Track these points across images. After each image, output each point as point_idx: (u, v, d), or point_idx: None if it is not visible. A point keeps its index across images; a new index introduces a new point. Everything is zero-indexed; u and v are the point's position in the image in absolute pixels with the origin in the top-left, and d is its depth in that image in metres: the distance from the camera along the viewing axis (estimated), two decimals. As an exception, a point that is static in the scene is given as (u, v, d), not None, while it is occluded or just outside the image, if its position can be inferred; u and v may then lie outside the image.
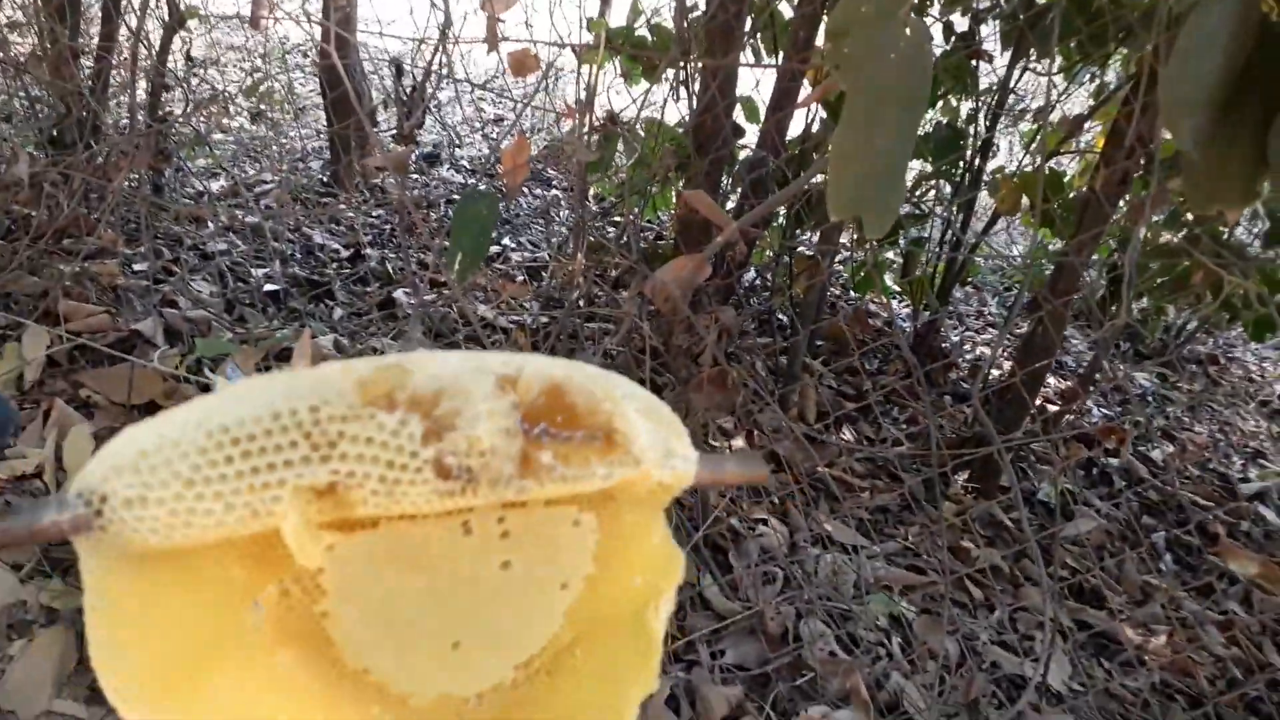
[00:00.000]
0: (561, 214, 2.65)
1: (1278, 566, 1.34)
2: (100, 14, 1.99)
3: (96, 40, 1.98)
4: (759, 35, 2.13)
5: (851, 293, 2.75)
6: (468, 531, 0.31)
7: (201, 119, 2.07)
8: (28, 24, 2.05)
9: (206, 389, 1.49)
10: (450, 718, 0.32)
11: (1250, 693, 1.51)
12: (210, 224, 2.03)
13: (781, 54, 2.07)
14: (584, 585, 0.33)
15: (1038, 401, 2.31)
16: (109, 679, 0.25)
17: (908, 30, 0.98)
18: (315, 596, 0.30)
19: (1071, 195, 2.31)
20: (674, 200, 2.51)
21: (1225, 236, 2.16)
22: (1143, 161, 1.75)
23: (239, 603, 0.28)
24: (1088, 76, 2.51)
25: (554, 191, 2.89)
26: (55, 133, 1.92)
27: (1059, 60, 2.24)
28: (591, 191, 2.62)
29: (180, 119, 1.97)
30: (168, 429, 0.25)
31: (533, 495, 0.29)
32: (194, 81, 2.18)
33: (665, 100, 1.95)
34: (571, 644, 0.33)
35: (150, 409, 1.52)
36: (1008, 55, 2.29)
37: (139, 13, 1.83)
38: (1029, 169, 2.37)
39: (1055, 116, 2.42)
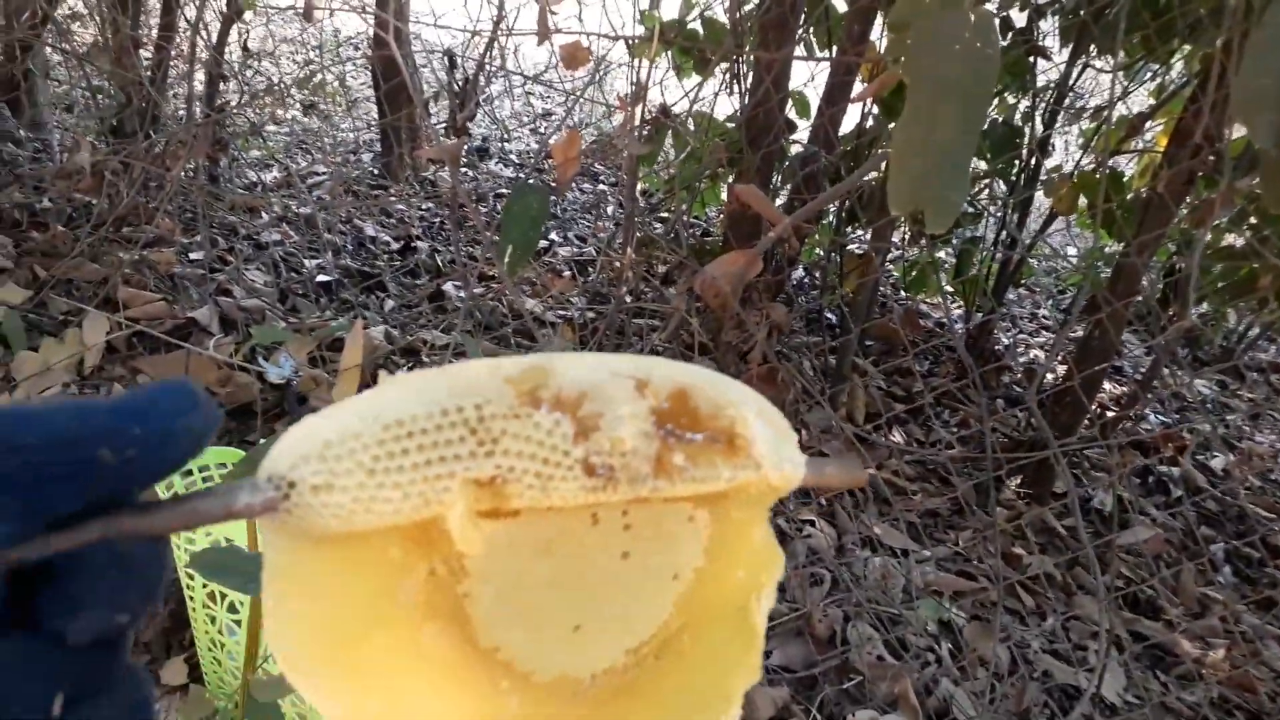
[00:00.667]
0: (609, 209, 2.64)
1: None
2: (160, 5, 2.02)
3: (156, 31, 2.01)
4: (812, 29, 2.10)
5: (902, 292, 2.71)
6: (595, 522, 0.33)
7: (256, 110, 2.09)
8: (89, 14, 2.09)
9: (260, 377, 1.51)
10: (567, 695, 0.34)
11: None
12: (264, 214, 2.05)
13: (835, 48, 2.05)
14: (693, 576, 0.35)
15: (1093, 407, 2.26)
16: (280, 647, 0.27)
17: (972, 21, 0.95)
18: (459, 577, 0.32)
19: (1130, 195, 2.26)
20: (722, 196, 2.49)
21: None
22: (1211, 159, 1.70)
23: (395, 580, 0.30)
24: (1148, 74, 2.44)
25: (601, 186, 2.88)
26: (116, 122, 1.96)
27: (1121, 56, 2.19)
28: (639, 187, 2.61)
29: (237, 109, 2.00)
30: (347, 421, 0.27)
31: (665, 494, 0.30)
32: (249, 73, 2.21)
33: (716, 95, 1.94)
34: (679, 631, 0.35)
35: (204, 395, 1.54)
36: (1066, 52, 2.24)
37: (198, 3, 1.85)
38: (1087, 168, 2.32)
39: (1115, 115, 2.36)
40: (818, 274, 2.41)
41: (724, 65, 1.88)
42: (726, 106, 2.00)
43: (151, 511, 0.24)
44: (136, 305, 1.64)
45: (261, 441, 1.41)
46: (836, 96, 1.96)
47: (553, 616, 0.33)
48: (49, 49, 2.23)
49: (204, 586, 1.11)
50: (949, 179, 0.96)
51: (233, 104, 2.06)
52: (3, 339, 1.57)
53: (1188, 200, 1.85)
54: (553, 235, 2.49)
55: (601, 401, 0.29)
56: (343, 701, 0.28)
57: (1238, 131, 1.72)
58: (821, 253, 2.38)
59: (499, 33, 1.54)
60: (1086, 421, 2.05)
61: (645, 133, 1.74)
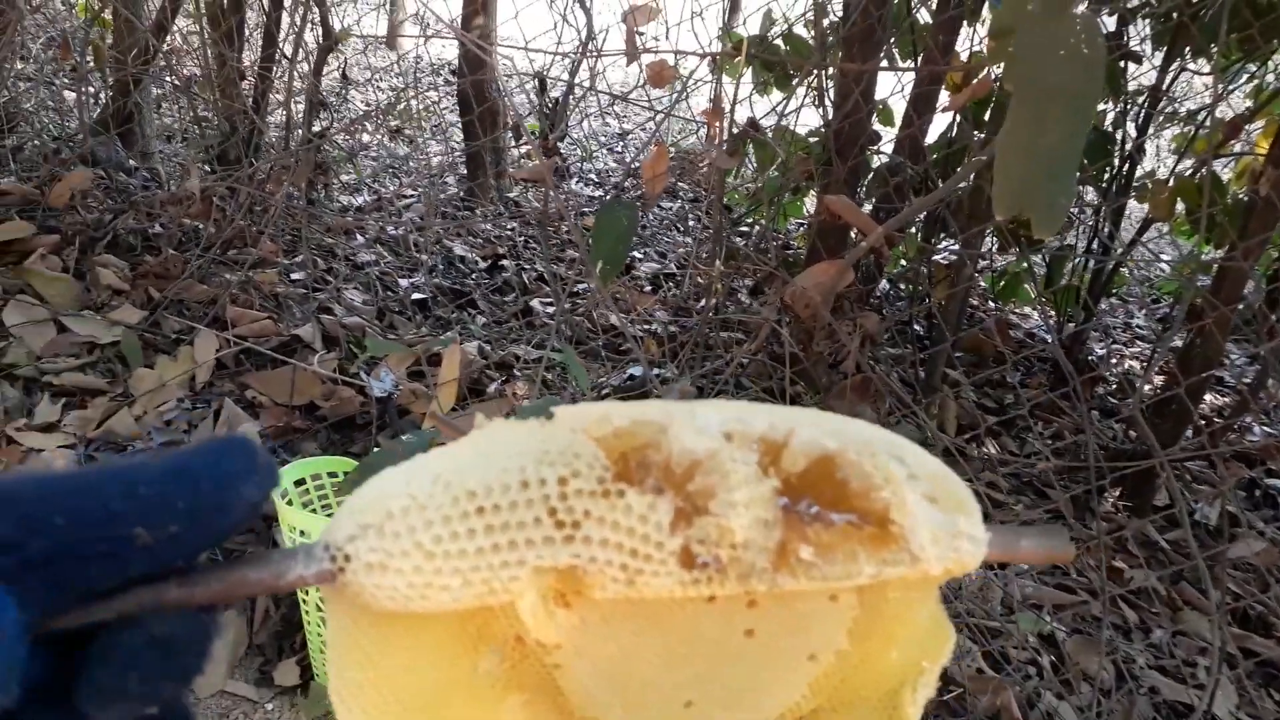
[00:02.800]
0: (689, 224, 2.66)
1: None
2: (261, 37, 2.11)
3: (257, 62, 2.10)
4: (896, 41, 2.09)
5: (990, 302, 2.67)
6: (711, 600, 0.29)
7: (351, 135, 2.17)
8: (196, 48, 2.19)
9: (362, 391, 1.56)
10: None
11: None
12: (360, 236, 2.12)
13: (920, 58, 2.04)
14: (834, 658, 0.31)
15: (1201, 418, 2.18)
16: (344, 715, 0.25)
17: (1078, 25, 0.95)
18: (549, 649, 0.29)
19: (1229, 199, 2.19)
20: (804, 210, 2.49)
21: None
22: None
23: (473, 650, 0.28)
24: (1244, 76, 2.37)
25: (679, 202, 2.90)
26: (220, 150, 2.05)
27: (1217, 59, 2.13)
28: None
29: (337, 133, 2.07)
30: (417, 485, 0.25)
31: (787, 589, 0.26)
32: (343, 100, 2.29)
33: (799, 109, 1.94)
34: (812, 715, 0.32)
35: (310, 409, 1.60)
36: (1157, 57, 2.19)
37: (297, 34, 1.93)
38: (1183, 173, 2.25)
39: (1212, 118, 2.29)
40: (904, 285, 2.38)
41: (806, 80, 1.89)
42: (806, 122, 2.01)
43: (197, 580, 0.23)
44: (244, 323, 1.71)
45: (374, 450, 1.45)
46: (922, 107, 1.95)
47: (659, 692, 0.30)
48: (156, 83, 2.35)
49: (316, 589, 1.15)
50: (1055, 183, 0.95)
51: (331, 129, 2.14)
52: (121, 357, 1.65)
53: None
54: (634, 252, 2.51)
55: (715, 477, 0.25)
56: None
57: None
58: (906, 264, 2.35)
59: (588, 54, 1.57)
60: (1188, 433, 1.98)
61: (731, 146, 1.75)
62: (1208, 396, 2.58)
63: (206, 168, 2.03)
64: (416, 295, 1.93)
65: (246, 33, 2.05)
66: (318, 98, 2.00)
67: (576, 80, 1.80)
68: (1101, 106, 2.37)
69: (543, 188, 1.38)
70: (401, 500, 0.24)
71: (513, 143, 2.14)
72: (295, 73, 2.02)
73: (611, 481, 0.25)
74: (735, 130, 1.72)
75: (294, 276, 1.89)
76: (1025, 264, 1.71)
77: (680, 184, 2.91)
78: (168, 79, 2.20)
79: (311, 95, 1.98)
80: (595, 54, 1.62)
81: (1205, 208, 1.30)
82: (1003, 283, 2.50)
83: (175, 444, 1.54)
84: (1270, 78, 2.37)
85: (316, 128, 2.09)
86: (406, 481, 0.25)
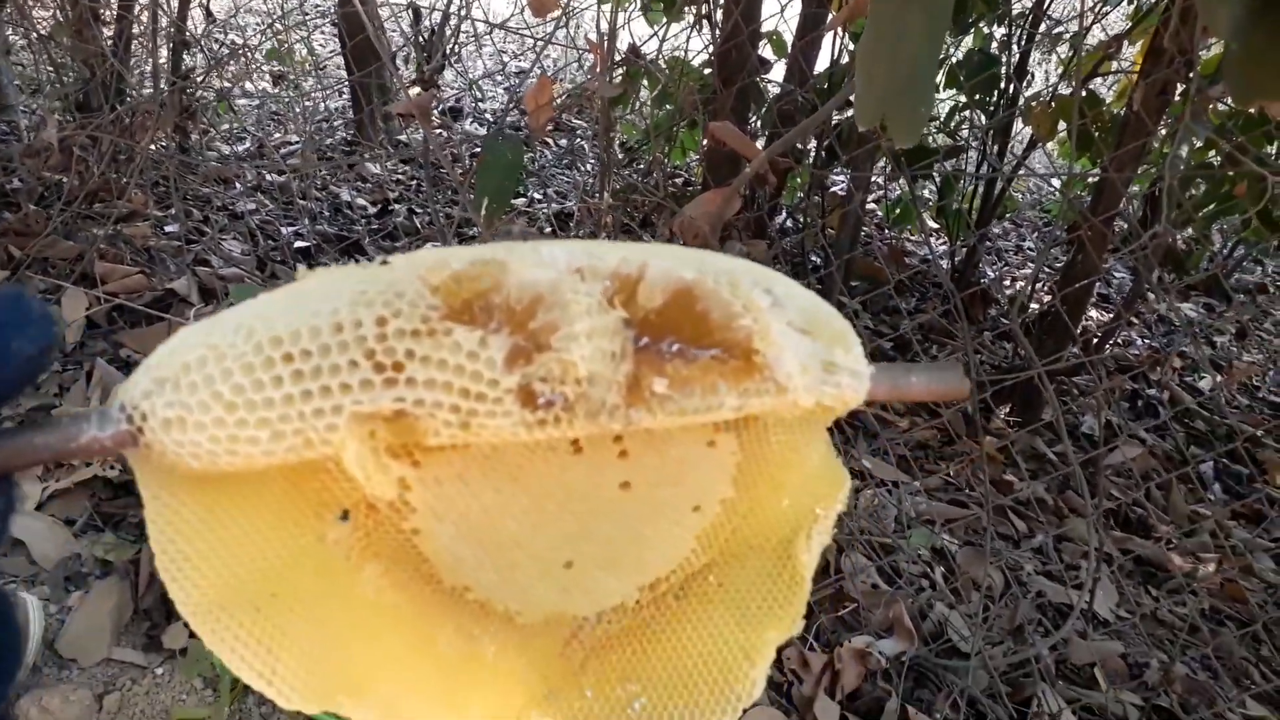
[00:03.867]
0: (588, 163, 2.62)
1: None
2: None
3: (116, 2, 1.97)
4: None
5: (887, 231, 2.70)
6: (578, 450, 0.28)
7: (224, 78, 2.07)
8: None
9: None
10: (564, 636, 0.30)
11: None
12: (238, 184, 2.04)
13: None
14: (720, 508, 0.30)
15: (1079, 333, 2.26)
16: (177, 594, 0.24)
17: (935, -65, 0.94)
18: (404, 513, 0.27)
19: (1110, 116, 2.24)
20: (700, 141, 2.47)
21: (1275, 157, 2.08)
22: (1183, 73, 1.68)
23: (316, 517, 0.26)
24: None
25: (580, 142, 2.86)
26: (82, 98, 1.93)
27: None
28: (617, 138, 2.59)
29: (202, 74, 1.97)
30: (219, 335, 0.23)
31: (643, 426, 0.25)
32: (215, 43, 2.18)
33: (688, 37, 1.91)
34: (704, 569, 0.30)
35: (188, 366, 1.54)
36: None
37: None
38: (1064, 94, 2.30)
39: (1093, 38, 2.34)
40: (802, 216, 2.40)
41: (695, 7, 1.85)
42: (703, 54, 1.98)
43: None
44: (114, 279, 1.63)
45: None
46: (808, 30, 1.94)
47: (533, 552, 0.29)
48: (9, 30, 2.20)
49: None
50: (915, 91, 0.95)
51: (197, 71, 2.03)
52: (-18, 320, 1.56)
53: (1165, 118, 1.84)
54: (533, 193, 2.47)
55: (556, 311, 0.24)
56: (256, 655, 0.24)
57: (1208, 44, 1.71)
58: (803, 194, 2.36)
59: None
60: (1073, 345, 2.05)
61: (616, 76, 1.72)
62: (1096, 313, 2.67)
63: (68, 117, 1.92)
64: (299, 244, 1.87)
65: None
66: (182, 39, 1.90)
67: (453, 9, 1.73)
68: (988, 30, 2.40)
69: (426, 123, 1.34)
70: (199, 351, 0.22)
71: (398, 81, 2.07)
72: (158, 11, 1.91)
73: (439, 320, 0.23)
74: (619, 59, 1.69)
75: (168, 229, 1.81)
76: (910, 190, 1.73)
77: (578, 121, 2.87)
78: (21, 23, 2.05)
79: (174, 35, 1.87)
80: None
81: (1074, 124, 1.32)
82: (898, 210, 2.53)
83: (46, 409, 1.47)
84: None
85: (185, 69, 1.99)
86: (207, 333, 0.23)
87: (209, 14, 1.98)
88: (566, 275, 0.24)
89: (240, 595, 0.24)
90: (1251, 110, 1.76)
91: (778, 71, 2.14)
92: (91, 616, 1.26)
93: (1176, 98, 1.81)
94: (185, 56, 2.07)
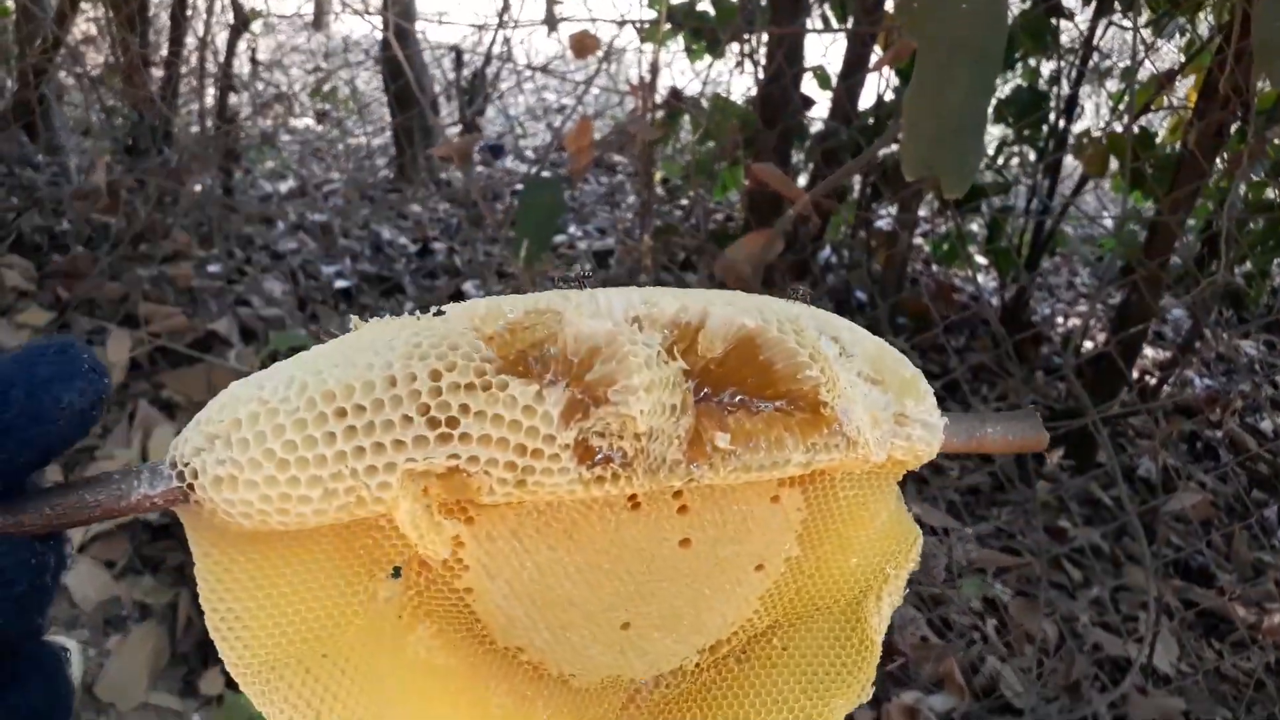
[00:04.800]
0: (627, 200, 2.62)
1: None
2: (169, 21, 2.03)
3: (165, 47, 2.02)
4: (827, 2, 2.06)
5: (934, 267, 2.66)
6: (635, 506, 0.26)
7: (267, 120, 2.10)
8: (100, 37, 2.10)
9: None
10: (621, 700, 0.29)
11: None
12: (280, 224, 2.05)
13: (851, 19, 2.00)
14: (785, 567, 0.29)
15: (1135, 374, 2.20)
16: (227, 654, 0.23)
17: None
18: (456, 571, 0.26)
19: (1165, 155, 2.19)
20: (743, 179, 2.45)
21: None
22: (1239, 113, 1.64)
23: (368, 576, 0.25)
24: (1177, 31, 2.37)
25: (619, 177, 2.86)
26: (131, 141, 1.97)
27: (1146, 13, 2.12)
28: (659, 176, 2.58)
29: (247, 119, 2.00)
30: (270, 389, 0.22)
31: (706, 483, 0.24)
32: (260, 85, 2.21)
33: (730, 76, 1.90)
34: (768, 631, 0.29)
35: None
36: (1089, 10, 2.18)
37: (205, 17, 1.86)
38: (1116, 130, 2.25)
39: (1144, 73, 2.29)
40: (847, 253, 2.36)
41: (737, 45, 1.84)
42: (744, 90, 1.98)
43: (25, 504, 0.20)
44: (157, 320, 1.65)
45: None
46: (854, 69, 1.92)
47: (589, 613, 0.27)
48: (62, 73, 2.25)
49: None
50: (964, 141, 0.92)
51: (243, 115, 2.06)
52: (29, 362, 1.58)
53: (1222, 156, 1.79)
54: (572, 229, 2.47)
55: (614, 363, 0.22)
56: (305, 717, 0.23)
57: (1264, 83, 1.65)
58: (848, 230, 2.33)
59: (504, 23, 1.52)
60: (1129, 388, 1.99)
61: (657, 117, 1.71)
62: (1152, 352, 2.60)
63: (115, 160, 1.95)
64: (340, 283, 1.87)
65: (151, 13, 1.96)
66: (228, 83, 1.93)
67: (495, 52, 1.74)
68: (1034, 64, 2.36)
69: (466, 165, 1.34)
70: (251, 406, 0.21)
71: (443, 121, 2.08)
72: (206, 56, 1.95)
73: (495, 373, 0.22)
74: (662, 99, 1.68)
75: (210, 269, 1.83)
76: (956, 228, 1.69)
77: (619, 158, 2.87)
78: (73, 68, 2.10)
79: (221, 80, 1.90)
80: (513, 24, 1.56)
81: (1128, 162, 1.29)
82: (945, 246, 2.49)
83: (88, 450, 1.47)
84: (1203, 30, 2.37)
85: (231, 113, 2.02)
86: (259, 386, 0.22)
87: (255, 61, 2.01)
88: (624, 325, 0.23)
89: (290, 655, 0.24)
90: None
91: (821, 107, 2.12)
92: (130, 660, 1.26)
93: (1233, 133, 1.76)
94: (231, 97, 2.11)
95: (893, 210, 2.15)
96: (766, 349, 0.24)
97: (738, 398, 0.24)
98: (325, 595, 0.24)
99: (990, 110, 2.20)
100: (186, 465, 0.22)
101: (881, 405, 0.25)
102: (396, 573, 0.25)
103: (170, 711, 1.23)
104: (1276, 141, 1.74)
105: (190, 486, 0.21)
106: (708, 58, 2.09)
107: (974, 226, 2.64)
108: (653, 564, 0.27)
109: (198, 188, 1.97)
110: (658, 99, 1.55)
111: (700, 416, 0.23)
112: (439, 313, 0.23)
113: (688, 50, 2.06)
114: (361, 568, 0.25)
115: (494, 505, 0.24)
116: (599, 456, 0.23)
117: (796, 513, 0.28)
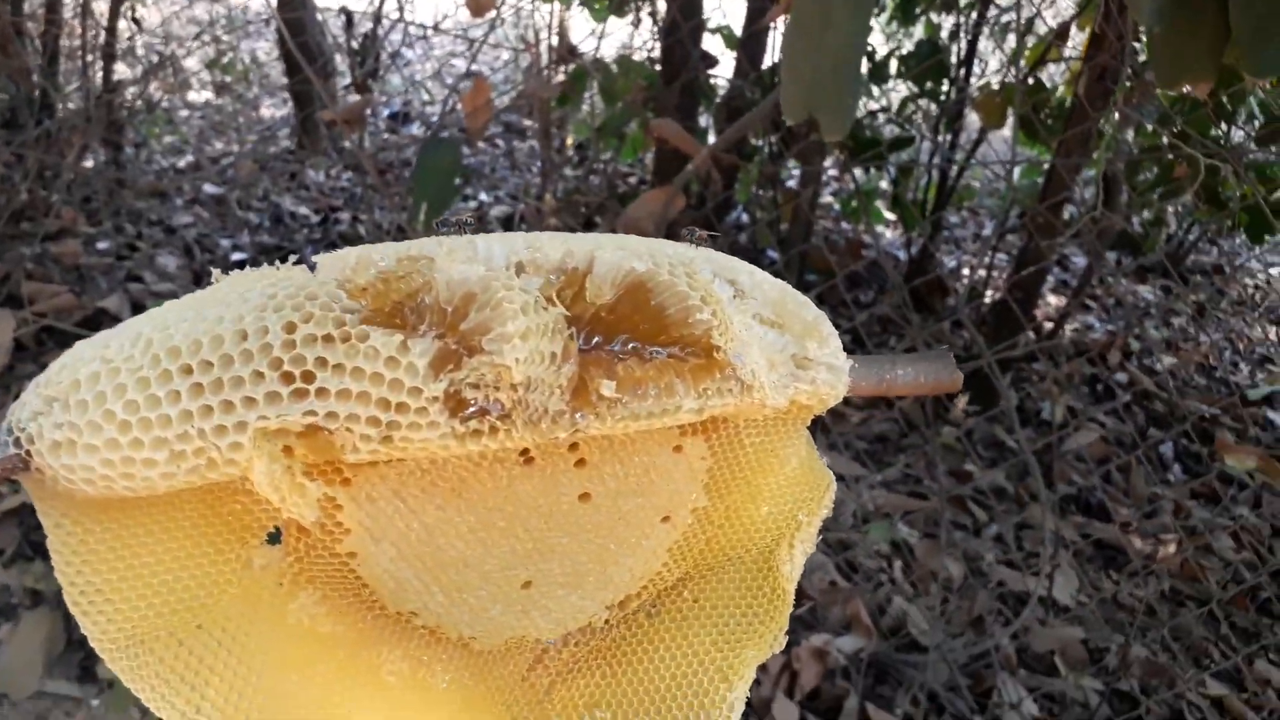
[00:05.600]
0: (536, 164, 2.59)
1: (1277, 461, 1.31)
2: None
3: (44, 15, 1.92)
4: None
5: (844, 224, 2.69)
6: (528, 461, 0.25)
7: (156, 88, 2.02)
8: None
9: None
10: (527, 661, 0.28)
11: (1261, 594, 1.49)
12: (176, 199, 1.99)
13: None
14: (693, 518, 0.28)
15: (1038, 320, 2.26)
16: (89, 629, 0.22)
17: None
18: (336, 535, 0.25)
19: (1058, 103, 2.24)
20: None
21: (1222, 140, 2.09)
22: (1121, 59, 1.68)
23: (240, 541, 0.24)
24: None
25: (532, 143, 2.83)
26: (8, 114, 1.88)
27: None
28: (570, 140, 2.56)
29: (131, 87, 1.92)
30: (115, 347, 0.21)
31: (594, 433, 0.23)
32: (147, 53, 2.13)
33: (632, 36, 1.89)
34: (679, 584, 0.28)
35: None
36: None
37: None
38: (1012, 82, 2.30)
39: (1043, 27, 2.34)
40: (758, 211, 2.38)
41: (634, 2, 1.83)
42: (647, 46, 1.96)
43: None
44: (43, 299, 1.58)
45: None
46: (754, 24, 1.92)
47: (485, 573, 0.27)
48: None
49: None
50: (841, 83, 0.93)
51: (128, 85, 1.98)
52: (-96, 346, 1.51)
53: (1112, 103, 1.84)
54: (482, 195, 2.44)
55: (488, 311, 0.21)
56: (179, 692, 0.22)
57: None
58: (756, 189, 2.35)
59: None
60: (1032, 335, 2.05)
61: (557, 75, 1.69)
62: (1054, 299, 2.68)
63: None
64: (237, 255, 1.82)
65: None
66: (111, 51, 1.85)
67: (385, 12, 1.70)
68: (936, 18, 2.40)
69: (359, 130, 1.31)
70: (93, 366, 0.20)
71: (340, 86, 2.03)
72: (88, 24, 1.86)
73: (356, 324, 0.21)
74: (559, 58, 1.67)
75: (99, 246, 1.76)
76: (854, 183, 1.72)
77: (528, 122, 2.83)
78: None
79: (103, 48, 1.82)
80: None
81: (1018, 110, 1.31)
82: (853, 202, 2.52)
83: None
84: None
85: (114, 82, 1.94)
86: (104, 344, 0.21)
87: (137, 24, 1.93)
88: (502, 271, 0.22)
89: (160, 627, 0.22)
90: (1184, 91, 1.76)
91: (728, 66, 2.12)
92: (23, 649, 1.22)
93: (1121, 81, 1.81)
94: (118, 68, 2.02)
95: (799, 167, 2.17)
96: (658, 293, 0.23)
97: (630, 345, 0.23)
98: (194, 564, 0.23)
99: (893, 65, 2.23)
100: (23, 430, 0.20)
101: (779, 348, 0.25)
102: (276, 539, 0.25)
103: (68, 699, 1.20)
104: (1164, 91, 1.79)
105: (28, 453, 0.20)
106: (605, 15, 2.08)
107: (882, 183, 2.68)
108: (551, 520, 0.27)
109: (89, 163, 1.90)
110: (557, 56, 1.54)
111: (587, 365, 0.23)
112: (305, 263, 0.22)
113: (587, 7, 2.04)
114: (231, 534, 0.24)
115: (372, 465, 0.23)
116: (473, 409, 0.22)
117: (701, 462, 0.27)
